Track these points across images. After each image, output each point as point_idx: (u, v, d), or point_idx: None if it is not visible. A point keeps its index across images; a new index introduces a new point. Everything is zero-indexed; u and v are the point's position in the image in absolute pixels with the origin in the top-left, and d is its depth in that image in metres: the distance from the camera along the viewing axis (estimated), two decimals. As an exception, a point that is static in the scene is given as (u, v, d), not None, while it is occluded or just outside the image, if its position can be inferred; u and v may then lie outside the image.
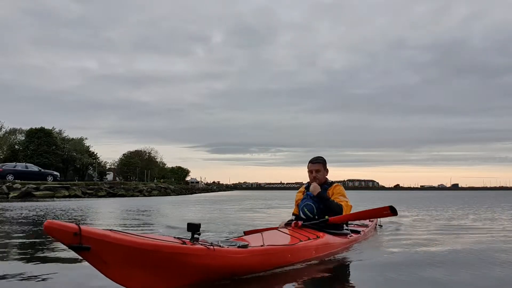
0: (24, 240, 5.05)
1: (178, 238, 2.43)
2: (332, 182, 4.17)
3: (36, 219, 8.06)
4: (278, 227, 3.99)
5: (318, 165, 4.13)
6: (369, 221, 5.93)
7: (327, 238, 3.70)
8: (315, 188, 3.98)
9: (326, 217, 3.86)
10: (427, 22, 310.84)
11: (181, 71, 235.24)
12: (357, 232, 4.70)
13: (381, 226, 6.50)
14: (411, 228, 6.57)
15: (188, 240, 2.40)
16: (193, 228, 2.48)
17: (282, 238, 3.31)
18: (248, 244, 2.75)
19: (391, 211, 3.65)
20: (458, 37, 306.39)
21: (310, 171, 4.14)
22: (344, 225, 4.29)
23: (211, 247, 2.38)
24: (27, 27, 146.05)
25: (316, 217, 3.92)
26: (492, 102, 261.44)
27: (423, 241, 4.83)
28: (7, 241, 4.93)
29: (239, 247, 2.62)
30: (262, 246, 2.83)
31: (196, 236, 2.46)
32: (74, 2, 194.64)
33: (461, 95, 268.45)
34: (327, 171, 4.21)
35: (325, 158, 4.28)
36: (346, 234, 4.15)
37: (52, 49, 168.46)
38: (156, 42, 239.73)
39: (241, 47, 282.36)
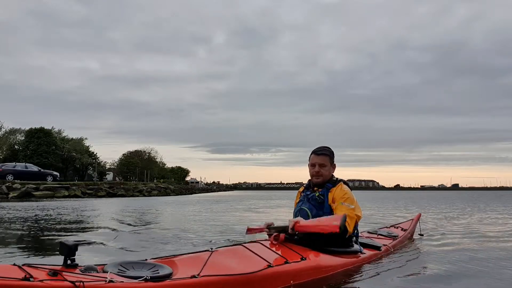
0: (23, 241, 5.01)
1: (24, 267, 1.68)
2: (338, 180, 3.17)
3: (36, 219, 8.03)
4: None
5: (323, 157, 3.16)
6: (401, 229, 4.58)
7: (319, 259, 2.70)
8: (291, 224, 2.79)
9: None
10: (428, 23, 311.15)
11: (183, 71, 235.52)
12: (376, 247, 3.40)
13: (422, 235, 5.10)
14: (462, 239, 5.08)
15: (46, 271, 1.69)
16: (66, 250, 1.80)
17: (241, 261, 2.34)
18: (171, 274, 1.97)
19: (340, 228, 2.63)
20: (458, 38, 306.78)
21: (312, 165, 3.16)
22: (353, 237, 3.15)
23: (80, 283, 1.60)
24: (30, 28, 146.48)
25: None
26: (492, 102, 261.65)
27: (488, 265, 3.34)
28: (6, 241, 4.90)
29: (147, 280, 1.83)
30: (194, 276, 1.94)
31: (70, 262, 1.80)
32: (77, 3, 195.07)
33: (462, 95, 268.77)
34: (334, 166, 3.23)
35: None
36: (355, 252, 3.06)
37: (55, 50, 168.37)
38: (158, 43, 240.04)
39: (242, 48, 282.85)
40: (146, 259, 2.22)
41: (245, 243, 2.75)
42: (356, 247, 3.12)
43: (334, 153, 3.25)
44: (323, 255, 2.77)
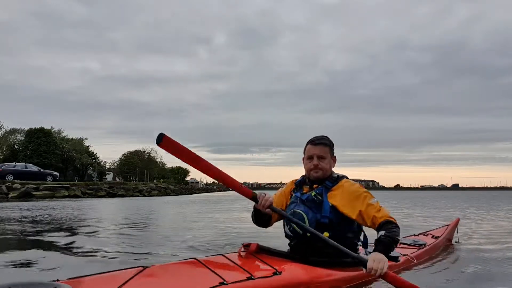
0: (22, 241, 4.99)
1: None
2: (340, 177, 2.58)
3: (36, 219, 8.01)
4: None
5: (323, 148, 2.57)
6: (432, 237, 3.84)
7: (299, 273, 2.09)
8: (378, 272, 2.03)
9: (326, 234, 2.32)
10: (428, 24, 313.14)
11: (184, 72, 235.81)
12: (391, 258, 2.52)
13: (458, 242, 4.41)
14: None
15: None
16: None
17: (183, 280, 1.84)
18: None
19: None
20: (458, 38, 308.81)
21: (309, 157, 2.58)
22: (360, 245, 2.58)
23: None
24: (32, 29, 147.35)
25: (309, 234, 2.34)
26: (492, 103, 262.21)
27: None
28: (6, 241, 4.88)
29: None
30: None
31: None
32: (79, 4, 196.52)
33: (462, 95, 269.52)
34: (334, 159, 2.65)
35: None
36: (358, 264, 2.31)
37: (56, 50, 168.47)
38: (160, 43, 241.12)
39: (243, 48, 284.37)
40: (56, 280, 1.69)
41: (210, 256, 2.17)
42: (360, 257, 2.32)
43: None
44: (306, 268, 2.14)
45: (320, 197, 2.46)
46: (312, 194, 2.48)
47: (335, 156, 2.66)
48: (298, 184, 2.66)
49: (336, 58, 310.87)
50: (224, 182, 2.42)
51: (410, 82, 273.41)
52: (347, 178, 2.59)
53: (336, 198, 2.43)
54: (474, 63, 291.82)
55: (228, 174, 2.41)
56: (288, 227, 2.53)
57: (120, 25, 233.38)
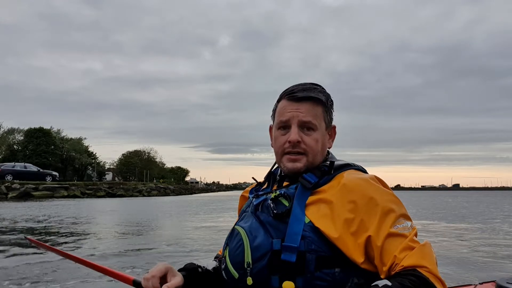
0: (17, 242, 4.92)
1: None
2: (338, 165, 1.10)
3: (35, 220, 7.93)
4: None
5: (312, 107, 1.08)
6: None
7: None
8: None
9: (289, 284, 0.92)
10: (430, 26, 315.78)
11: (188, 73, 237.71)
12: None
13: None
14: None
15: None
16: None
17: None
18: None
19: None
20: (460, 40, 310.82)
21: (281, 125, 1.12)
22: None
23: None
24: (40, 31, 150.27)
25: (251, 279, 0.97)
26: (493, 103, 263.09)
27: None
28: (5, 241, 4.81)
29: None
30: None
31: None
32: (87, 7, 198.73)
33: (463, 96, 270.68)
34: (333, 132, 1.18)
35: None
36: None
37: (61, 52, 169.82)
38: (165, 45, 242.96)
39: (247, 50, 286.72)
40: None
41: None
42: None
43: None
44: None
45: (286, 203, 1.05)
46: (273, 195, 1.08)
47: (334, 126, 1.19)
48: (267, 178, 1.25)
49: (339, 59, 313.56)
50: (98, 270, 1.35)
51: (412, 83, 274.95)
52: (354, 166, 1.18)
53: (322, 208, 1.01)
54: (475, 64, 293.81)
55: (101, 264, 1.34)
56: (223, 264, 1.14)
57: (126, 28, 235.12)
